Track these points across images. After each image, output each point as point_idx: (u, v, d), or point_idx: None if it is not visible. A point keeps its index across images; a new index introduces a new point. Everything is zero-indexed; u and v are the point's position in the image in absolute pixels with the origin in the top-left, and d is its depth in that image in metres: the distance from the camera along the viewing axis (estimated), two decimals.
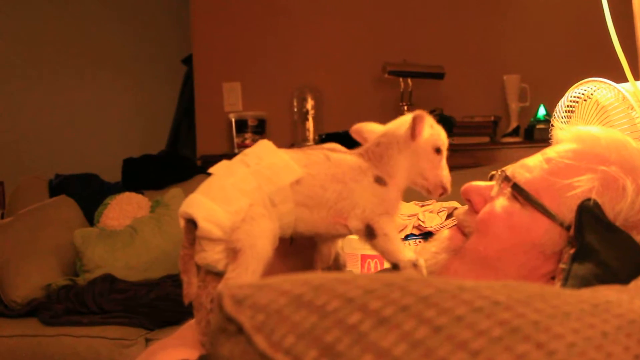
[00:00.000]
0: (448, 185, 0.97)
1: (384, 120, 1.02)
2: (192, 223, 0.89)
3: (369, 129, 0.99)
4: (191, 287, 0.90)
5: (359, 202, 0.91)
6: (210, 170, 0.93)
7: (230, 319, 0.54)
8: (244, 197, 0.89)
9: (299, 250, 0.98)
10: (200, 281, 0.91)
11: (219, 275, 0.89)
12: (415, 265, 0.91)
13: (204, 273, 0.91)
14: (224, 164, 0.94)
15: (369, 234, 0.92)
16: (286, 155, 0.92)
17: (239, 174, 0.90)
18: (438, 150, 0.96)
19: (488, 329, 0.51)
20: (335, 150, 0.96)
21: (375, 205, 0.92)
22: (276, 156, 0.92)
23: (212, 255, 0.89)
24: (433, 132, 0.96)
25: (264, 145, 0.94)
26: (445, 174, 0.96)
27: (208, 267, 0.90)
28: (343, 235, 0.96)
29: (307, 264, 1.00)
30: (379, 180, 0.93)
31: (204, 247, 0.89)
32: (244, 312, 0.54)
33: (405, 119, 0.97)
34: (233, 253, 0.88)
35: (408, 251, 0.94)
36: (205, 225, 0.88)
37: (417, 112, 0.95)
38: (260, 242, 0.88)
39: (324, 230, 0.93)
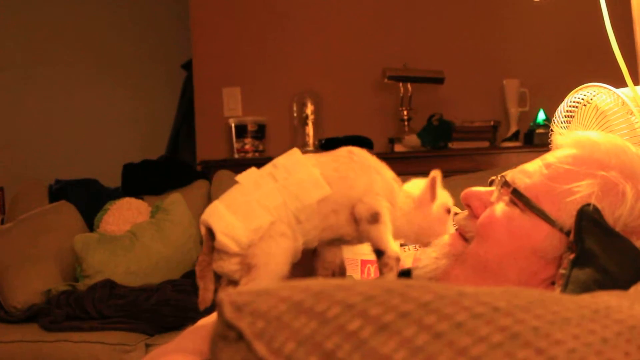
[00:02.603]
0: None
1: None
2: (211, 232, 0.89)
3: None
4: (207, 293, 0.90)
5: (377, 189, 0.94)
6: (238, 178, 0.93)
7: (231, 325, 0.54)
8: (266, 214, 0.89)
9: (302, 256, 0.98)
10: (222, 288, 0.91)
11: (236, 283, 0.90)
12: (397, 259, 0.94)
13: (226, 282, 0.92)
14: (252, 173, 0.93)
15: (373, 219, 0.93)
16: (316, 171, 0.92)
17: (265, 189, 0.90)
18: (448, 211, 1.02)
19: (488, 335, 0.51)
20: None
21: (387, 194, 0.95)
22: (305, 171, 0.92)
23: (229, 265, 0.90)
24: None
25: (294, 157, 0.94)
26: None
27: (225, 276, 0.91)
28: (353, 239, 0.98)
29: (309, 271, 1.00)
30: (397, 182, 0.98)
31: (222, 257, 0.90)
32: (244, 319, 0.54)
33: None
34: (247, 267, 0.88)
35: (397, 246, 0.96)
36: (222, 238, 0.88)
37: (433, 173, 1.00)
38: (275, 261, 0.88)
39: (347, 231, 0.95)
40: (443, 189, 1.01)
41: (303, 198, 0.90)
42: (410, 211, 0.99)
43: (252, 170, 0.94)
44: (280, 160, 0.94)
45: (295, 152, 0.95)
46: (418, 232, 1.00)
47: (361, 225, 0.93)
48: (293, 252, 0.91)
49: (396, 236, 0.98)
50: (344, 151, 0.96)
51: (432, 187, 0.99)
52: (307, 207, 0.90)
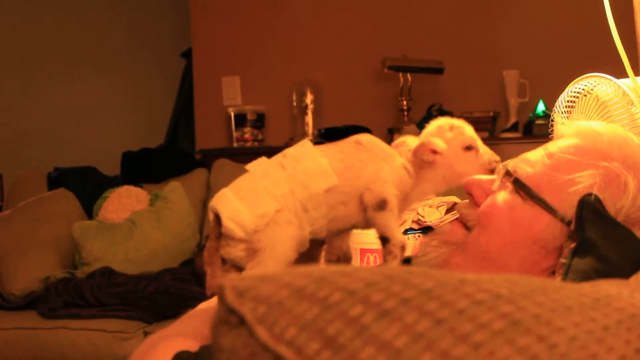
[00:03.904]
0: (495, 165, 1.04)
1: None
2: (219, 218, 0.91)
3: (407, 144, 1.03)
4: (215, 279, 0.91)
5: (385, 177, 0.95)
6: (247, 166, 0.95)
7: (232, 310, 0.54)
8: (273, 201, 0.90)
9: (311, 247, 0.99)
10: (225, 272, 0.92)
11: (242, 269, 0.91)
12: (402, 247, 0.94)
13: (229, 265, 0.92)
14: (262, 162, 0.95)
15: (380, 206, 0.93)
16: (324, 160, 0.93)
17: (273, 177, 0.92)
18: (469, 148, 1.00)
19: (489, 322, 0.51)
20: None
21: (396, 181, 0.95)
22: (314, 161, 0.93)
23: (236, 251, 0.91)
24: (453, 135, 0.99)
25: (304, 148, 0.95)
26: (483, 162, 1.02)
27: (232, 262, 0.92)
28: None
29: (312, 255, 1.01)
30: (407, 169, 0.98)
31: (229, 243, 0.91)
32: (245, 304, 0.54)
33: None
34: (253, 252, 0.89)
35: (402, 234, 0.97)
36: (228, 224, 0.89)
37: (420, 144, 0.99)
38: (281, 247, 0.89)
39: (358, 220, 0.95)
40: (455, 128, 1.01)
41: (310, 187, 0.91)
42: (429, 171, 0.99)
43: (263, 159, 0.96)
44: (290, 150, 0.95)
45: (305, 142, 0.96)
46: (445, 180, 1.02)
47: (368, 212, 0.94)
48: (299, 240, 0.91)
49: (432, 193, 1.00)
50: (351, 141, 0.97)
51: (417, 156, 0.99)
52: (314, 196, 0.91)
